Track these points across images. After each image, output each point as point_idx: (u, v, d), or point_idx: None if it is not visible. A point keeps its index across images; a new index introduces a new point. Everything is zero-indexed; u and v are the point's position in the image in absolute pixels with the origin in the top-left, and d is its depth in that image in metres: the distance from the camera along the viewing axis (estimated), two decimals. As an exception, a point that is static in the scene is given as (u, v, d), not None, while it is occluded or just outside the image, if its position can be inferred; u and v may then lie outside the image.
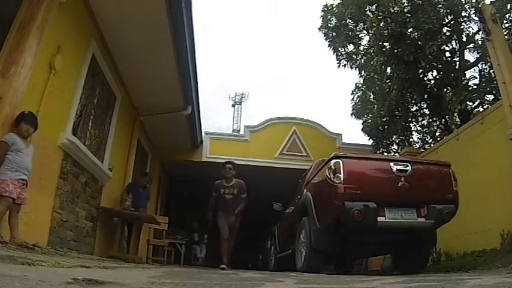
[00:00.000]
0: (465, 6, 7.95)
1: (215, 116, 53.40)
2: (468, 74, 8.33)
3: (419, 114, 9.46)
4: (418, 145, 9.76)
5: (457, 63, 8.25)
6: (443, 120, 8.93)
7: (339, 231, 4.44)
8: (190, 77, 6.46)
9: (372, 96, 10.65)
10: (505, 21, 7.21)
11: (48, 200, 4.19)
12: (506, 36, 6.03)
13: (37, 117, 3.56)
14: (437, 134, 9.52)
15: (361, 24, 9.77)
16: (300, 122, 10.90)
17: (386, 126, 9.19)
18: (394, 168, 4.39)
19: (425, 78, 8.40)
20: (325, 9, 10.28)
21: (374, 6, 8.72)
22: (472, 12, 7.87)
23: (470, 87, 7.80)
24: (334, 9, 10.10)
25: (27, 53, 3.44)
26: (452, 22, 8.05)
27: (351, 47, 10.49)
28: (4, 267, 1.57)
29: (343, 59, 10.46)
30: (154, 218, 7.11)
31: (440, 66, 8.13)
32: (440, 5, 7.88)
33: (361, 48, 10.44)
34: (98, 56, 5.33)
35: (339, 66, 10.53)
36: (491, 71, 7.53)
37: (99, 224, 5.81)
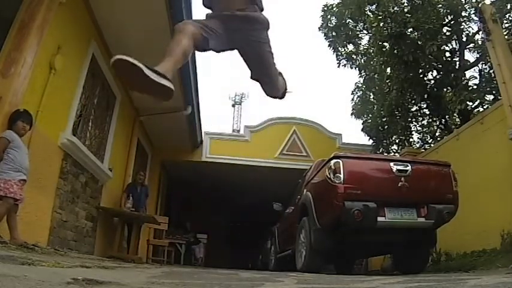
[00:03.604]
0: (465, 6, 7.95)
1: (216, 116, 53.32)
2: (468, 74, 8.34)
3: (419, 114, 9.46)
4: (418, 145, 9.76)
5: (457, 63, 8.25)
6: (443, 120, 8.93)
7: (339, 231, 4.44)
8: (190, 77, 6.46)
9: (372, 96, 10.64)
10: (505, 21, 7.22)
11: (48, 200, 4.18)
12: (506, 36, 6.04)
13: (31, 115, 3.53)
14: (437, 134, 9.52)
15: (361, 24, 9.78)
16: (300, 122, 10.89)
17: (386, 126, 9.19)
18: (394, 168, 4.39)
19: (425, 78, 8.40)
20: (325, 9, 10.29)
21: (374, 6, 8.73)
22: (472, 12, 7.87)
23: (470, 87, 7.80)
24: (334, 9, 10.11)
25: (27, 52, 3.44)
26: (452, 22, 8.05)
27: (351, 47, 10.52)
28: (4, 267, 1.57)
29: (343, 59, 10.48)
30: (154, 218, 7.11)
31: (440, 66, 8.13)
32: (440, 5, 7.88)
33: (361, 48, 10.45)
34: (98, 56, 5.33)
35: (339, 66, 10.56)
36: (491, 71, 7.53)
37: (99, 224, 5.81)
